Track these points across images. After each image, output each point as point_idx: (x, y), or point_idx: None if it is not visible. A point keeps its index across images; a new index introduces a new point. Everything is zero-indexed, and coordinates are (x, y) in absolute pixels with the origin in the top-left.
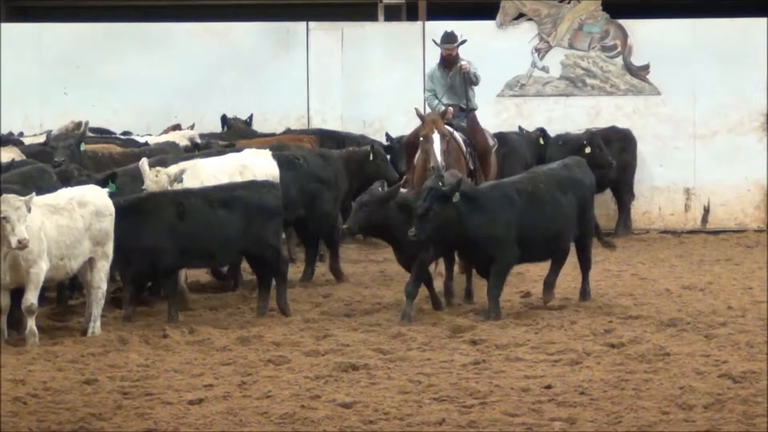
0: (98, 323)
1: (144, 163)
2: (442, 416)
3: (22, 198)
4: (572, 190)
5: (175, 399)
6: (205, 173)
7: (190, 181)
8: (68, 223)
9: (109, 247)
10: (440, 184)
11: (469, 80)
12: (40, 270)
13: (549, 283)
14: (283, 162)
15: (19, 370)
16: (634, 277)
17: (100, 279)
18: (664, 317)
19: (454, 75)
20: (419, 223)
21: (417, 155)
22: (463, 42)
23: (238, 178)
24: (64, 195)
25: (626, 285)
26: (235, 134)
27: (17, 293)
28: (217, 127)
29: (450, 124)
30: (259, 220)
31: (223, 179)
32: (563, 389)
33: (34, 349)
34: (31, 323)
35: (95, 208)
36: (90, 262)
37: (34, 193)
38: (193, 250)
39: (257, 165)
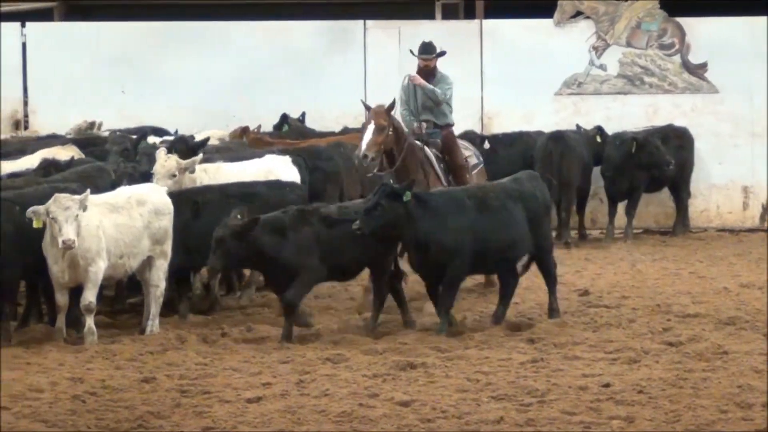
0: (156, 321)
1: (160, 151)
2: (500, 414)
3: (75, 197)
4: (522, 204)
5: (233, 397)
6: (231, 178)
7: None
8: (127, 222)
9: (168, 246)
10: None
11: (431, 97)
12: (99, 269)
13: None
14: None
15: (77, 369)
16: (693, 276)
17: (159, 278)
18: (723, 316)
19: (434, 84)
20: (366, 218)
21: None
22: (442, 54)
23: None
24: (123, 193)
25: (684, 283)
26: (294, 133)
27: (76, 292)
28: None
29: (425, 141)
30: None
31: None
32: (621, 388)
33: (92, 347)
34: (89, 322)
35: (154, 206)
36: (149, 261)
37: (88, 192)
38: (203, 248)
39: (281, 170)
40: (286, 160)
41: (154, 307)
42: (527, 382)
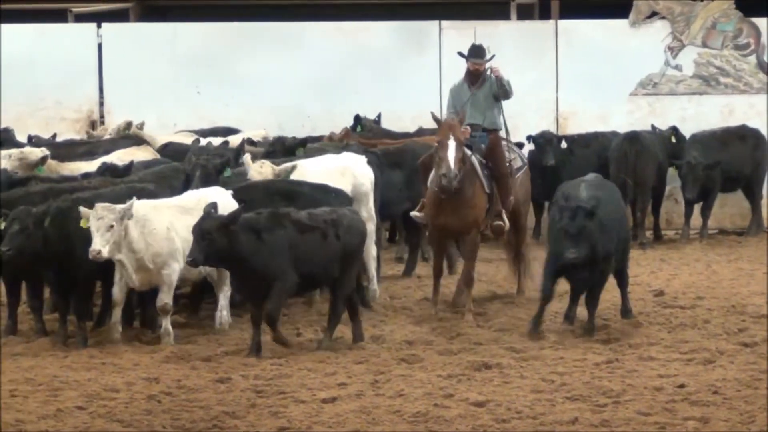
0: (225, 313)
1: (247, 157)
2: (575, 415)
3: (117, 207)
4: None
5: (308, 397)
6: (309, 175)
7: None
8: None
9: None
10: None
11: (501, 92)
12: (173, 270)
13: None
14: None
15: (152, 369)
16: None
17: (226, 275)
18: None
19: (479, 91)
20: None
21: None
22: (492, 57)
23: (340, 180)
24: (193, 196)
25: (759, 284)
26: (368, 134)
27: (151, 292)
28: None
29: (468, 146)
30: None
31: (325, 181)
32: (696, 388)
33: (168, 347)
34: (165, 323)
35: (223, 209)
36: None
37: (134, 201)
38: None
39: (357, 167)
40: (362, 159)
41: (223, 299)
42: (602, 382)
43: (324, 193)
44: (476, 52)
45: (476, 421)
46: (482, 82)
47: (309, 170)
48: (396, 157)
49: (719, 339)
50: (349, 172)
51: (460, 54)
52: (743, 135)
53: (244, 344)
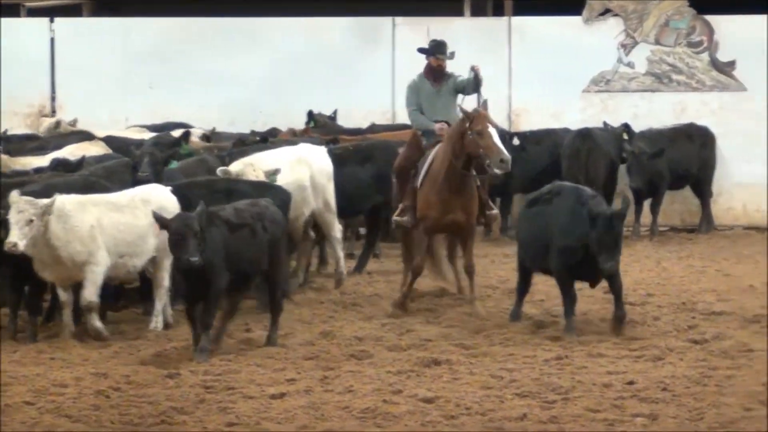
0: (161, 318)
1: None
2: (524, 411)
3: (39, 202)
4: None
5: (257, 393)
6: (265, 166)
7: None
8: (130, 221)
9: None
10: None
11: (473, 88)
12: (96, 268)
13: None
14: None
15: (101, 364)
16: (718, 273)
17: (163, 277)
18: (748, 313)
19: (442, 88)
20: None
21: (429, 163)
22: (453, 55)
23: (297, 168)
24: (128, 193)
25: (710, 281)
26: (322, 130)
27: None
28: (301, 123)
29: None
30: None
31: (282, 171)
32: (645, 385)
33: (116, 342)
34: (91, 320)
35: (159, 205)
36: (154, 261)
37: (56, 197)
38: None
39: (314, 158)
40: (321, 149)
41: (159, 305)
42: (551, 379)
43: (263, 191)
44: (440, 48)
45: (425, 417)
46: (446, 79)
47: (265, 161)
48: (366, 152)
49: (669, 336)
50: (306, 162)
51: (421, 50)
52: (691, 133)
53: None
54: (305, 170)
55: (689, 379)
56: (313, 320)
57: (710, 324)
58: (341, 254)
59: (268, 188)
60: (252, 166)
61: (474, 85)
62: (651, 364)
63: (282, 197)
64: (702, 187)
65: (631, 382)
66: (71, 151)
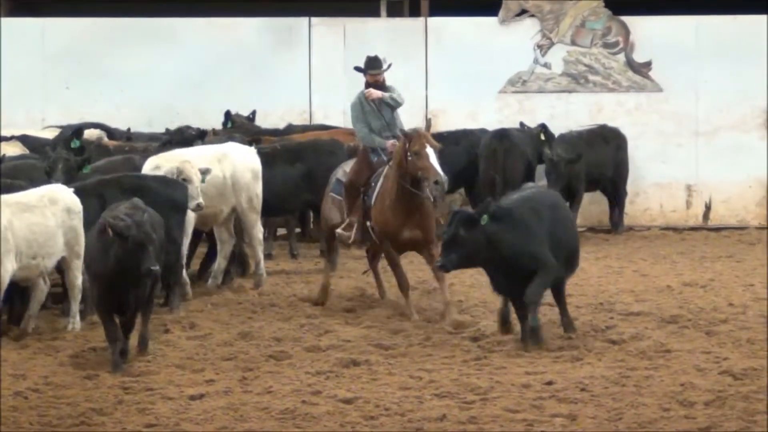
0: (77, 319)
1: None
2: (443, 412)
3: None
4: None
5: (176, 394)
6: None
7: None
8: (40, 221)
9: (81, 245)
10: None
11: (391, 106)
12: (5, 270)
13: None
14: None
15: (19, 365)
16: (636, 274)
17: (75, 276)
18: (666, 314)
19: (381, 103)
20: (446, 253)
21: (382, 182)
22: (389, 67)
23: (216, 166)
24: (35, 193)
25: (627, 281)
26: (240, 130)
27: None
28: (218, 123)
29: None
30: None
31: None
32: (564, 385)
33: (35, 343)
34: None
35: (66, 205)
36: (63, 261)
37: None
38: None
39: (238, 156)
40: (247, 148)
41: (74, 305)
42: (470, 379)
43: (168, 187)
44: (373, 64)
45: (344, 418)
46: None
47: (179, 156)
48: (296, 152)
49: (587, 336)
50: (228, 160)
51: (357, 68)
52: (606, 135)
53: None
54: (227, 167)
55: (608, 380)
56: (232, 321)
57: (628, 324)
58: (261, 255)
59: (171, 184)
60: (189, 163)
61: (394, 103)
62: (569, 365)
63: (184, 191)
64: (617, 189)
65: (549, 383)
66: None
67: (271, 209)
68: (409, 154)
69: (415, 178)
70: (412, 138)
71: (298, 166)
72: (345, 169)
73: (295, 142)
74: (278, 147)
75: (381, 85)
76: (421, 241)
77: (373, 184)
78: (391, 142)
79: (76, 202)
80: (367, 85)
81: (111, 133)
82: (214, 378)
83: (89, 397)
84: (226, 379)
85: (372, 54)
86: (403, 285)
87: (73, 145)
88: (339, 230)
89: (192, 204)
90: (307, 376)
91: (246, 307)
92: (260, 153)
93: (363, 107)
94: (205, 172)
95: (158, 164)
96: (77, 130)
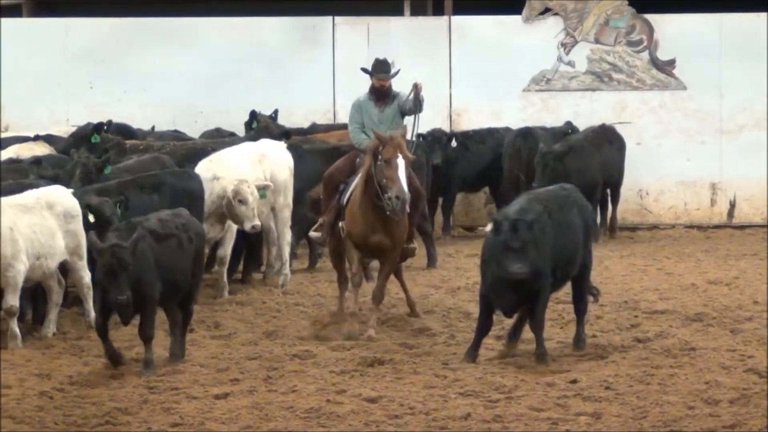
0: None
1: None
2: (468, 411)
3: None
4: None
5: (200, 393)
6: (226, 165)
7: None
8: (41, 222)
9: (82, 246)
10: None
11: (416, 107)
12: (17, 272)
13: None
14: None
15: (45, 365)
16: (660, 272)
17: (81, 276)
18: (690, 312)
19: (387, 108)
20: (520, 259)
21: (357, 182)
22: (397, 73)
23: (258, 167)
24: (32, 194)
25: (652, 280)
26: (264, 130)
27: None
28: (241, 123)
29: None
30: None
31: (246, 168)
32: (589, 384)
33: (60, 343)
34: (12, 325)
35: (63, 208)
36: (67, 264)
37: None
38: None
39: (275, 155)
40: (280, 145)
41: (87, 304)
42: (495, 378)
43: (183, 180)
44: (381, 68)
45: (369, 417)
46: (390, 99)
47: (226, 160)
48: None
49: (612, 335)
50: (267, 160)
51: (364, 70)
52: (610, 137)
53: (137, 340)
54: (267, 168)
55: (632, 378)
56: (256, 320)
57: (653, 323)
58: (288, 254)
59: (188, 176)
60: (246, 183)
61: (414, 103)
62: (594, 363)
63: (200, 183)
64: (615, 191)
65: (574, 381)
66: (15, 151)
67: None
68: (379, 159)
69: (380, 185)
70: (385, 144)
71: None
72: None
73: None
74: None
75: (387, 92)
76: (388, 248)
77: (349, 183)
78: (367, 142)
79: (74, 205)
80: (373, 89)
81: (133, 132)
82: (238, 377)
83: (114, 397)
84: (250, 378)
85: (391, 55)
86: (355, 282)
87: (93, 140)
88: (311, 232)
89: (247, 225)
90: (331, 375)
91: (270, 306)
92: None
93: (363, 109)
94: (264, 188)
95: (216, 174)
96: (98, 126)
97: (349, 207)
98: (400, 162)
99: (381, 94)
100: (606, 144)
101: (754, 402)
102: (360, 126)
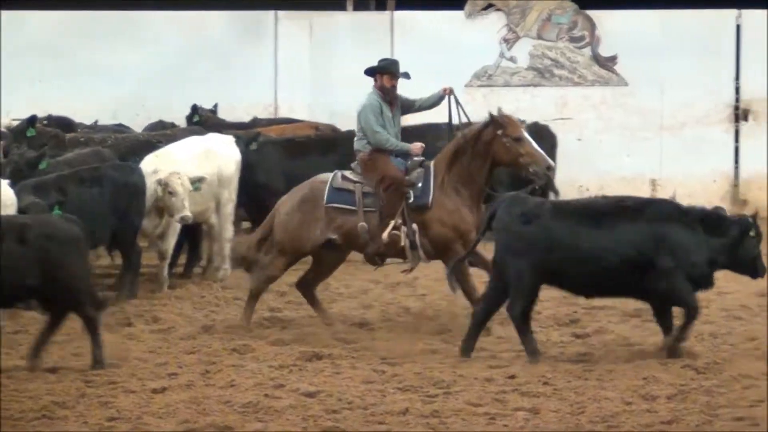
0: None
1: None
2: (406, 406)
3: None
4: None
5: (138, 387)
6: (173, 160)
7: (165, 167)
8: None
9: None
10: None
11: (431, 105)
12: None
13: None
14: None
15: None
16: None
17: None
18: (629, 308)
19: (396, 110)
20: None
21: (434, 182)
22: (406, 75)
23: (205, 163)
24: None
25: None
26: (205, 124)
27: None
28: (183, 116)
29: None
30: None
31: (192, 163)
32: (527, 379)
33: None
34: None
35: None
36: None
37: None
38: None
39: (222, 149)
40: (228, 139)
41: None
42: (433, 373)
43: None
44: (396, 66)
45: (307, 412)
46: (397, 101)
47: (172, 155)
48: (329, 142)
49: (551, 330)
50: (214, 155)
51: (376, 69)
52: (541, 134)
53: (75, 334)
54: (214, 163)
55: (570, 373)
56: (195, 314)
57: (591, 318)
58: (228, 250)
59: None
60: (177, 175)
61: (437, 102)
62: (532, 359)
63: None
64: (548, 188)
65: (512, 376)
66: None
67: None
68: (505, 139)
69: (516, 163)
70: (506, 124)
71: (330, 157)
72: (343, 177)
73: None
74: (312, 137)
75: (395, 94)
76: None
77: (417, 184)
78: (417, 144)
79: (9, 196)
80: (382, 89)
81: (74, 126)
82: (176, 371)
83: (51, 391)
84: (188, 372)
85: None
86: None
87: (29, 134)
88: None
89: (176, 216)
90: (269, 370)
91: (209, 301)
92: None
93: (382, 111)
94: (198, 181)
95: (156, 168)
96: (31, 120)
97: (441, 206)
98: (528, 136)
99: (390, 95)
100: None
101: (691, 398)
102: (384, 129)
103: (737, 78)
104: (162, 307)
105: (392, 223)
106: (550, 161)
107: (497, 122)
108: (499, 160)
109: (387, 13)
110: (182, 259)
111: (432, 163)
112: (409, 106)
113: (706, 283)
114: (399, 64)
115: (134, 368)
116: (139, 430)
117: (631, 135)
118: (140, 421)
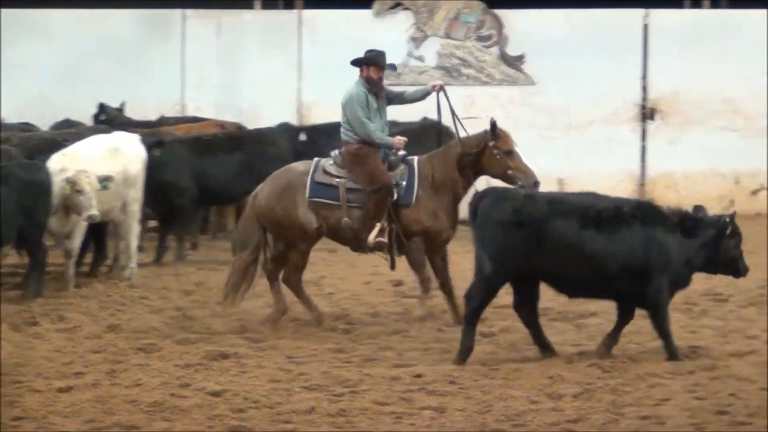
0: None
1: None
2: (312, 405)
3: None
4: None
5: (44, 387)
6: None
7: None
8: None
9: None
10: None
11: (422, 99)
12: None
13: None
14: None
15: None
16: None
17: None
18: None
19: (382, 102)
20: None
21: (417, 181)
22: (392, 67)
23: (111, 161)
24: None
25: None
26: (112, 122)
27: None
28: (90, 115)
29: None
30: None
31: (99, 162)
32: (434, 378)
33: None
34: None
35: None
36: None
37: None
38: None
39: (128, 148)
40: (134, 138)
41: None
42: (340, 372)
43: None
44: (383, 58)
45: (213, 411)
46: (382, 93)
47: (80, 153)
48: (235, 141)
49: (456, 329)
50: (121, 153)
51: (364, 60)
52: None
53: None
54: (120, 161)
55: (477, 372)
56: (101, 313)
57: (498, 317)
58: (135, 248)
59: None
60: (85, 173)
61: (422, 97)
62: (438, 358)
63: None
64: None
65: (419, 375)
66: None
67: (216, 198)
68: (496, 152)
69: (504, 176)
70: (499, 137)
71: (236, 155)
72: (324, 171)
73: (236, 132)
74: (219, 136)
75: (382, 87)
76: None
77: (401, 183)
78: (400, 138)
79: None
80: (370, 80)
81: None
82: (82, 371)
83: None
84: (94, 371)
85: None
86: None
87: None
88: (378, 239)
89: (84, 215)
90: (175, 369)
91: (115, 300)
92: (202, 141)
93: (369, 104)
94: (106, 179)
95: (63, 166)
96: None
97: (424, 205)
98: (519, 150)
99: (376, 87)
100: (428, 139)
101: (597, 396)
102: (370, 120)
103: (644, 77)
104: (68, 306)
105: (378, 226)
106: (537, 177)
107: (495, 133)
108: (487, 171)
109: (295, 11)
110: (88, 258)
111: (416, 160)
112: (396, 98)
113: (683, 284)
114: (386, 56)
115: (40, 367)
116: (45, 429)
117: (539, 134)
118: (46, 420)
